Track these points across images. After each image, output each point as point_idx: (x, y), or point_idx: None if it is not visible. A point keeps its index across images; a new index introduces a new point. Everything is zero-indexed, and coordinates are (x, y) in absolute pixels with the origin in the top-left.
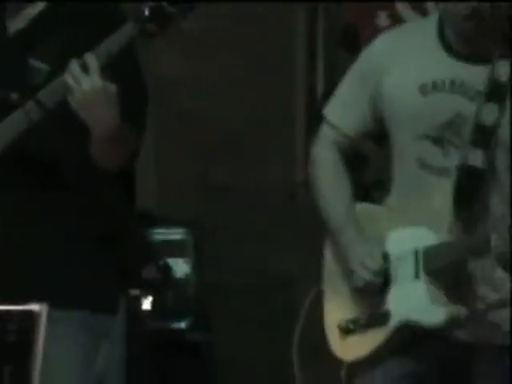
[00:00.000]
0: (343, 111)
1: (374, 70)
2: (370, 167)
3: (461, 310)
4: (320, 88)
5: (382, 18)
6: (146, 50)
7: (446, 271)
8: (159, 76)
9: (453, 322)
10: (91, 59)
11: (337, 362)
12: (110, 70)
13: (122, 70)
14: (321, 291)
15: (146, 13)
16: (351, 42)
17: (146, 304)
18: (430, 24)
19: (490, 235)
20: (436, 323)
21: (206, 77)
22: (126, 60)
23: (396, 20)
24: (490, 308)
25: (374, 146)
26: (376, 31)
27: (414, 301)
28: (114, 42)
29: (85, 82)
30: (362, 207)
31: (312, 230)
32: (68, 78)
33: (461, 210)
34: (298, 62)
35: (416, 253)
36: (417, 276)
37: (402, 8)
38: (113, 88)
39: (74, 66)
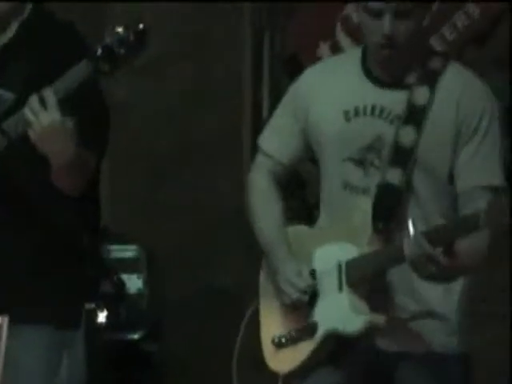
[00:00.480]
0: (276, 140)
1: (302, 100)
2: (311, 188)
3: (379, 319)
4: (265, 110)
5: (324, 49)
6: None
7: (367, 281)
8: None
9: (371, 330)
10: (49, 95)
11: (274, 375)
12: (71, 100)
13: (84, 100)
14: (258, 308)
15: (99, 53)
16: (295, 70)
17: (101, 317)
18: (355, 54)
19: (404, 244)
20: (355, 330)
21: (155, 96)
22: (87, 90)
23: (337, 50)
24: (410, 318)
25: (313, 169)
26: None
27: (337, 311)
28: (70, 79)
29: (43, 117)
30: (293, 229)
31: (256, 245)
32: (28, 113)
33: (379, 225)
34: (245, 87)
35: (339, 266)
36: (340, 288)
37: (342, 39)
38: (70, 123)
39: (34, 101)
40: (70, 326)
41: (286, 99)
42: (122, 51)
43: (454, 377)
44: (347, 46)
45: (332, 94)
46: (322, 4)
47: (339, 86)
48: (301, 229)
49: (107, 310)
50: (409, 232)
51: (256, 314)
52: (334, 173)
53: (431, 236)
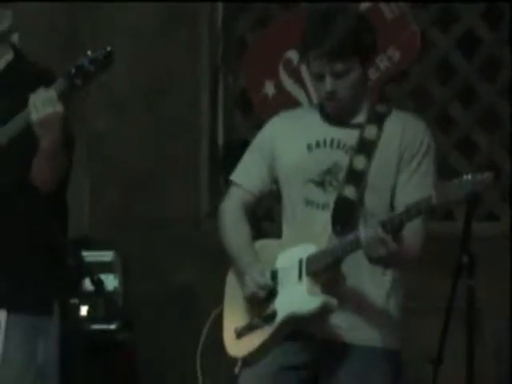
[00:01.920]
0: (246, 173)
1: (269, 141)
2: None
3: (333, 301)
4: (220, 138)
5: (269, 87)
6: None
7: (324, 270)
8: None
9: (326, 310)
10: (52, 93)
11: (234, 363)
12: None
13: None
14: (221, 311)
15: (72, 72)
16: (245, 105)
17: (83, 311)
18: (314, 104)
19: (359, 231)
20: (310, 310)
21: (125, 126)
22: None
23: (280, 89)
24: (357, 309)
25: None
26: (264, 99)
27: (295, 298)
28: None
29: (49, 107)
30: (261, 242)
31: (214, 253)
32: (36, 103)
33: (338, 228)
34: (202, 120)
35: (300, 261)
36: (300, 279)
37: (284, 79)
38: (61, 109)
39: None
40: (42, 312)
41: (255, 141)
42: (92, 68)
43: (389, 370)
44: (289, 86)
45: (296, 133)
46: (267, 46)
47: (302, 126)
48: (267, 242)
49: (88, 304)
50: (366, 220)
51: (219, 317)
52: (298, 193)
53: (385, 223)
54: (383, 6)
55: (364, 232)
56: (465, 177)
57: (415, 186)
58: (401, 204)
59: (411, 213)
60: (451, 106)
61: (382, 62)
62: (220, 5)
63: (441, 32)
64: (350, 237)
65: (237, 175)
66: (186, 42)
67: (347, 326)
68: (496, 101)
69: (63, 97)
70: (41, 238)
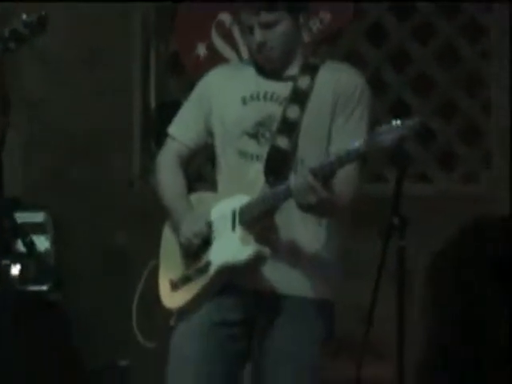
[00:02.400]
0: (182, 126)
1: (207, 93)
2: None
3: (265, 250)
4: (152, 102)
5: (201, 49)
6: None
7: (257, 221)
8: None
9: (259, 259)
10: None
11: (169, 316)
12: None
13: None
14: (157, 264)
15: (6, 34)
16: (176, 68)
17: (15, 271)
18: (250, 59)
19: (290, 179)
20: (243, 259)
21: (62, 92)
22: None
23: (212, 50)
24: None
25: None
26: (196, 59)
27: (229, 248)
28: None
29: None
30: (196, 195)
31: (147, 214)
32: None
33: (271, 178)
34: (134, 80)
35: (233, 212)
36: (234, 229)
37: (216, 41)
38: None
39: None
40: None
41: (193, 93)
42: (27, 32)
43: (321, 321)
44: (221, 47)
45: (232, 86)
46: (199, 8)
47: (237, 79)
48: (202, 194)
49: (20, 265)
50: (296, 168)
51: (155, 270)
52: (232, 146)
53: (315, 171)
54: None
55: (294, 180)
56: (394, 122)
57: (350, 131)
58: (336, 150)
59: (342, 160)
60: (383, 70)
61: (315, 25)
62: None
63: None
64: (282, 186)
65: (173, 128)
66: (118, 8)
67: (280, 277)
68: (429, 63)
69: None
70: None
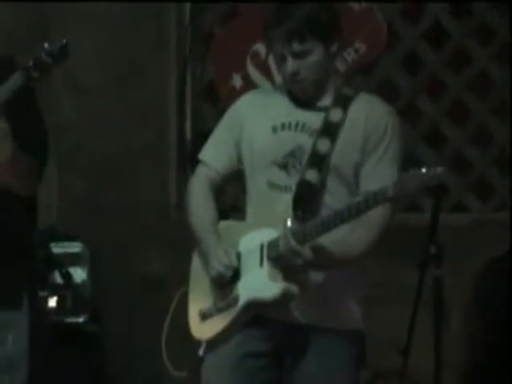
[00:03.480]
0: (213, 152)
1: (238, 119)
2: (227, 195)
3: (293, 288)
4: (188, 131)
5: (237, 79)
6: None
7: (284, 257)
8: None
9: (286, 296)
10: None
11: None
12: (9, 106)
13: (20, 108)
14: (187, 291)
15: (30, 63)
16: (213, 97)
17: (52, 302)
18: (283, 85)
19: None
20: (272, 296)
21: (92, 118)
22: (25, 102)
23: (248, 81)
24: (320, 293)
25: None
26: (232, 89)
27: (257, 282)
28: (7, 87)
29: None
30: (225, 223)
31: (183, 242)
32: None
33: (299, 212)
34: (170, 110)
35: (261, 246)
36: (261, 264)
37: (252, 72)
38: (6, 126)
39: None
40: (14, 307)
41: (224, 118)
42: (49, 60)
43: (354, 351)
44: (256, 78)
45: (263, 113)
46: (235, 39)
47: (269, 106)
48: (231, 223)
49: (57, 296)
50: (325, 201)
51: (184, 297)
52: (261, 175)
53: (298, 234)
54: None
55: (281, 244)
56: (418, 171)
57: (380, 174)
58: (364, 193)
59: (344, 215)
60: (418, 99)
61: (350, 55)
62: None
63: (408, 24)
64: (304, 226)
65: (204, 153)
66: (154, 33)
67: (309, 308)
68: (464, 93)
69: (21, 89)
70: (8, 231)
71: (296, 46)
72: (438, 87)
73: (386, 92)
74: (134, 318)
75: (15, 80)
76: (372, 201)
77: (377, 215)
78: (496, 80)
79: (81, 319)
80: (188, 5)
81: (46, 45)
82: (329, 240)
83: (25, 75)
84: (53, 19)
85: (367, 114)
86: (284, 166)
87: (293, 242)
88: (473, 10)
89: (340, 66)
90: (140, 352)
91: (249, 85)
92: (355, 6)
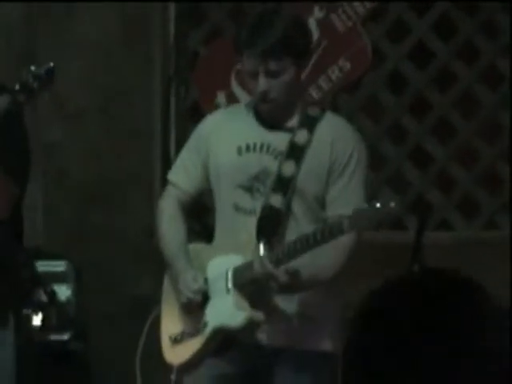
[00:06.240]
0: (182, 173)
1: (204, 139)
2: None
3: (258, 315)
4: (173, 150)
5: (221, 98)
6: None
7: (250, 284)
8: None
9: (252, 325)
10: None
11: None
12: None
13: (6, 134)
14: (159, 314)
15: (16, 87)
16: (197, 116)
17: (36, 321)
18: (251, 102)
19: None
20: (237, 325)
21: (77, 140)
22: (10, 126)
23: (232, 99)
24: (287, 319)
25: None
26: (216, 108)
27: (223, 310)
28: None
29: None
30: (193, 246)
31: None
32: None
33: (262, 239)
34: (155, 132)
35: (227, 273)
36: (228, 291)
37: (236, 90)
38: None
39: None
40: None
41: (191, 140)
42: (36, 85)
43: (324, 374)
44: (241, 96)
45: (228, 134)
46: (219, 58)
47: (235, 127)
48: (199, 246)
49: (41, 314)
50: (290, 226)
51: (158, 320)
52: (227, 198)
53: (272, 258)
54: (335, 18)
55: (255, 268)
56: (373, 206)
57: (346, 197)
58: (331, 217)
59: (310, 242)
60: (404, 117)
61: (334, 73)
62: (172, 18)
63: (392, 44)
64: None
65: (173, 174)
66: (139, 55)
67: (281, 330)
68: (450, 111)
69: (7, 113)
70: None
71: (272, 65)
72: (423, 105)
73: (372, 110)
74: (121, 337)
75: (1, 103)
76: (327, 233)
77: (345, 236)
78: (482, 99)
79: (65, 337)
80: (172, 25)
81: (33, 68)
82: (299, 263)
83: (11, 99)
84: (39, 44)
85: (333, 138)
86: (249, 189)
87: (269, 266)
88: (460, 29)
89: (324, 83)
90: (120, 373)
91: (233, 102)
92: (340, 25)
